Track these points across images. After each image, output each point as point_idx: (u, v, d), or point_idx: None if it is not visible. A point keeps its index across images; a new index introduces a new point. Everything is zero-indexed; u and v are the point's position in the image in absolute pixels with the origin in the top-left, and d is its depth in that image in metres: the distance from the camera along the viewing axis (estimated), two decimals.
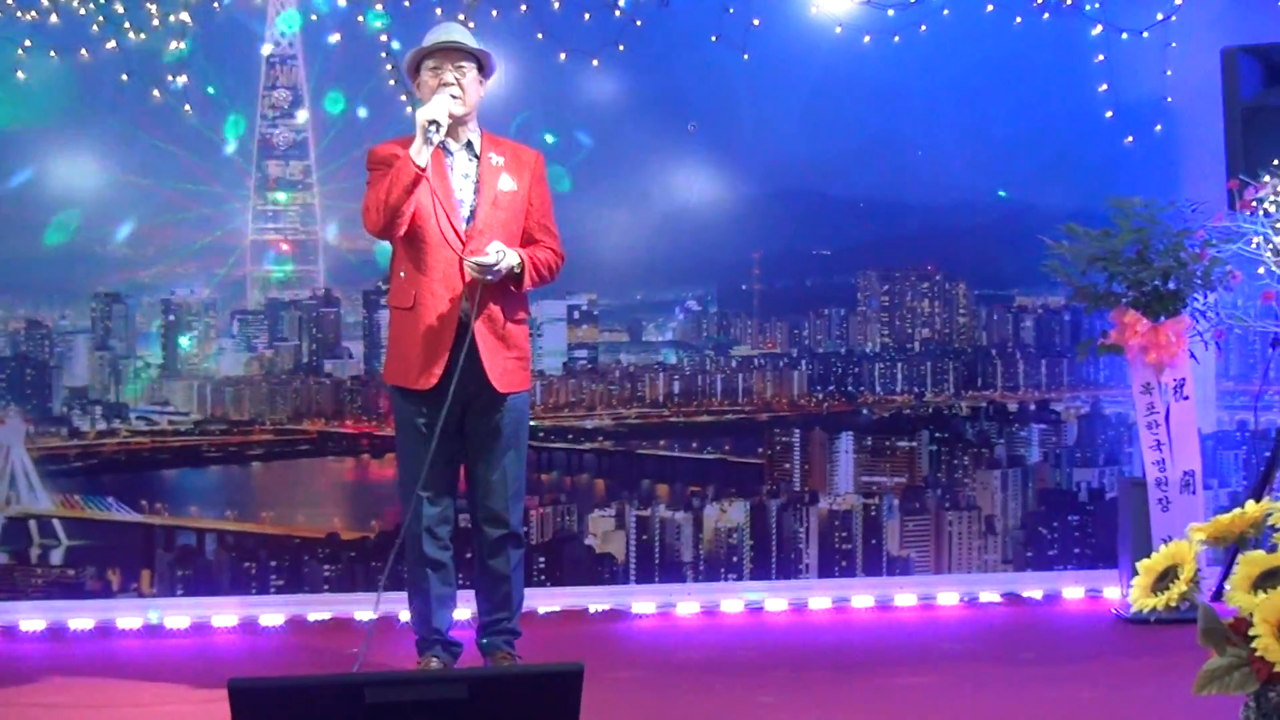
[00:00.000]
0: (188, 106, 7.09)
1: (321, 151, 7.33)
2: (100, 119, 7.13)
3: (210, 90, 7.13)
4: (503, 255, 5.30)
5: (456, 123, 5.41)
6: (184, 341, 7.36)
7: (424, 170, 5.22)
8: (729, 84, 7.36)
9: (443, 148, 5.44)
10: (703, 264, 7.58)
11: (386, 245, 5.69)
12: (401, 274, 5.48)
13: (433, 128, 5.21)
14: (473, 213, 5.44)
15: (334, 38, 7.17)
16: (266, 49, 7.23)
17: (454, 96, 5.34)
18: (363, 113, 7.20)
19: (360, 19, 7.13)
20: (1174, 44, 7.35)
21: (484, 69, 5.51)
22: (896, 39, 7.30)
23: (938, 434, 7.60)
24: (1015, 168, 7.48)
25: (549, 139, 7.20)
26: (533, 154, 5.64)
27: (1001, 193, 7.55)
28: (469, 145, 5.52)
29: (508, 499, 5.55)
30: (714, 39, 7.22)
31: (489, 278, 5.31)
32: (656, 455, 7.62)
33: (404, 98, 6.95)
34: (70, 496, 7.25)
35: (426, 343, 5.38)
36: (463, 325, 5.36)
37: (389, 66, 7.07)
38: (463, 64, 5.41)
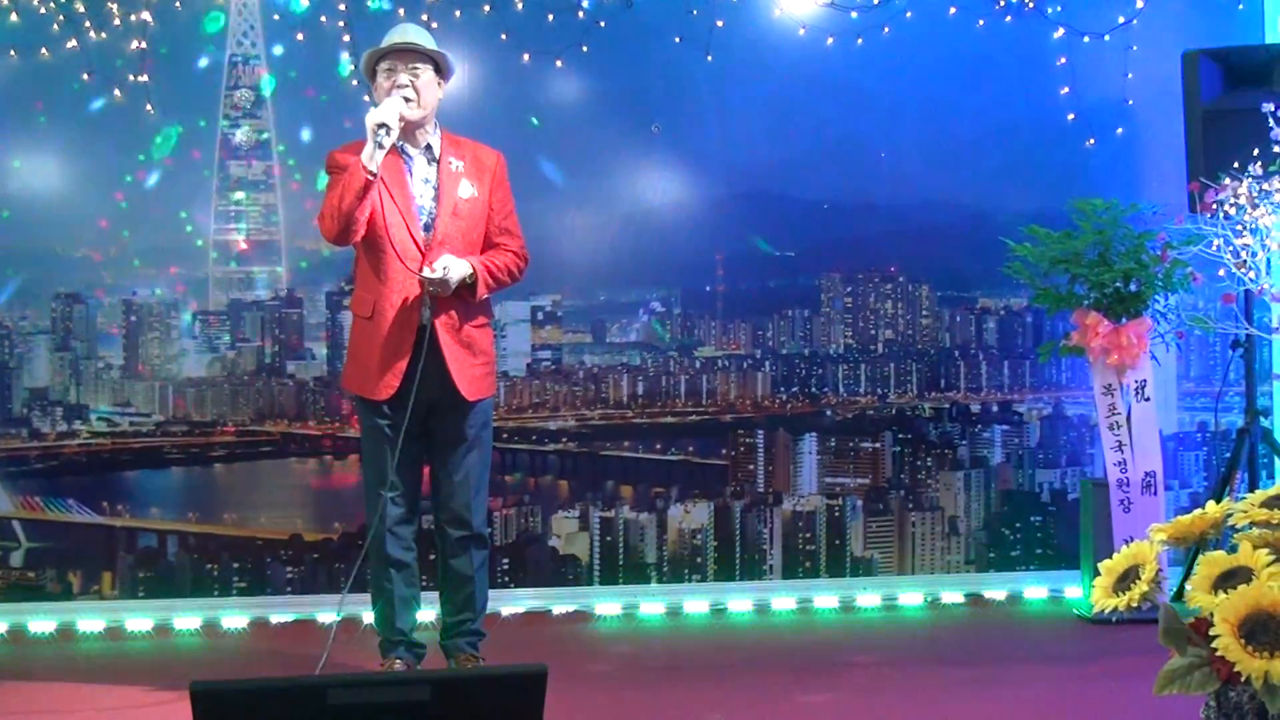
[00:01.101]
0: (149, 106, 7.06)
1: (283, 150, 7.30)
2: (61, 118, 7.10)
3: (175, 83, 7.09)
4: (448, 270, 5.27)
5: (414, 126, 5.38)
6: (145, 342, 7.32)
7: (375, 176, 5.18)
8: (693, 85, 7.37)
9: (401, 152, 5.41)
10: (666, 265, 7.57)
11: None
12: (362, 281, 5.47)
13: (382, 131, 5.15)
14: (432, 222, 5.41)
15: (298, 37, 7.14)
16: (229, 48, 7.19)
17: (407, 99, 5.30)
18: (327, 113, 7.18)
19: (323, 19, 7.11)
20: (1135, 47, 7.38)
21: (442, 70, 5.47)
22: (860, 41, 7.32)
23: (901, 435, 7.61)
24: (978, 169, 7.50)
25: (534, 120, 7.24)
26: (494, 155, 5.61)
27: (970, 185, 7.56)
28: (428, 149, 5.49)
29: (470, 500, 5.54)
30: (678, 40, 7.24)
31: (438, 290, 5.29)
32: (620, 456, 7.62)
33: (367, 98, 6.93)
34: (30, 498, 7.21)
35: (385, 352, 5.36)
36: (422, 332, 5.34)
37: (352, 68, 7.05)
38: (418, 66, 5.37)
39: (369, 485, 5.54)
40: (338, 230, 5.26)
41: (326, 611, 6.79)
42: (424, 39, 5.43)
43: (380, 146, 5.15)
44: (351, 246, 5.47)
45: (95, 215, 7.18)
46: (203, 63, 7.21)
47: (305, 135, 7.26)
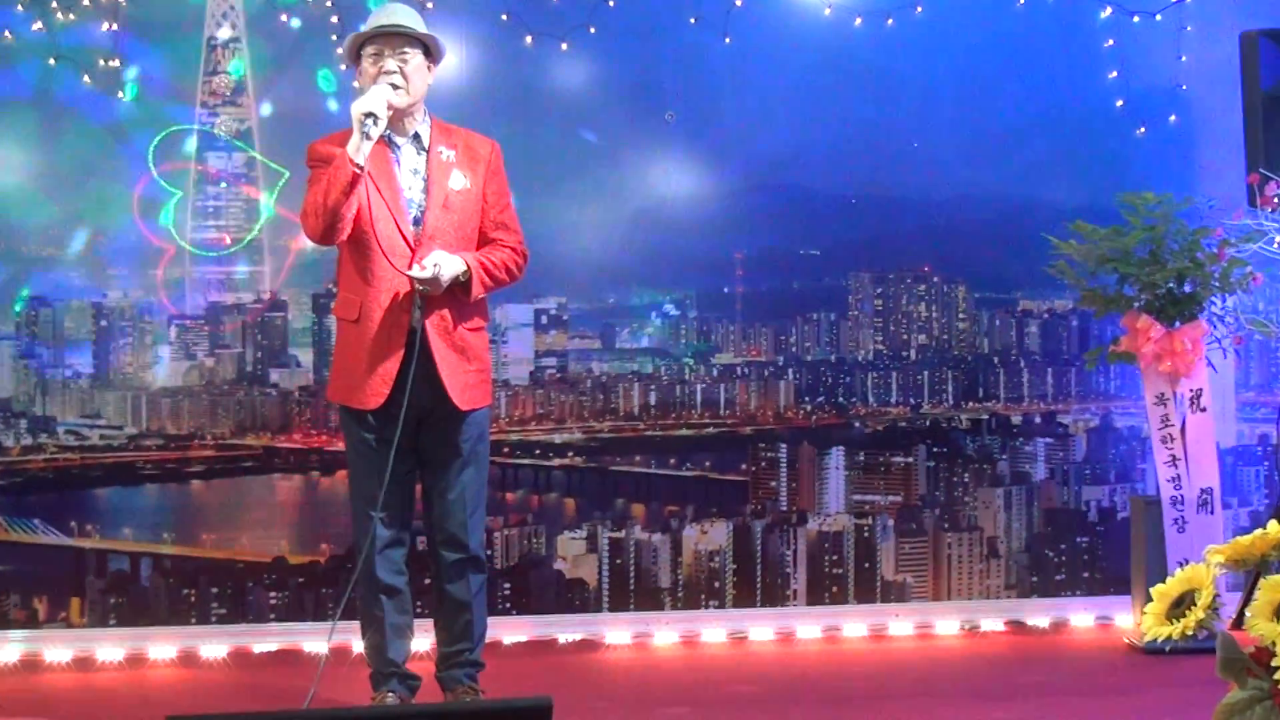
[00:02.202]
0: (121, 93, 7.06)
1: (266, 141, 7.31)
2: (26, 106, 7.11)
3: (149, 68, 7.10)
4: (439, 268, 5.25)
5: (402, 114, 5.37)
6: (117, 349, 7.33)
7: (363, 169, 5.17)
8: (709, 70, 7.36)
9: (388, 142, 5.40)
10: (681, 265, 7.57)
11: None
12: (347, 283, 5.45)
13: (369, 120, 5.14)
14: (421, 215, 5.39)
15: (284, 18, 7.15)
16: (208, 30, 7.20)
17: (395, 86, 5.28)
18: (313, 100, 7.18)
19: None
20: (1189, 27, 7.36)
21: (432, 54, 5.46)
22: (890, 21, 7.31)
23: (936, 449, 7.60)
24: (1019, 161, 7.49)
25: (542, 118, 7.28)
26: (488, 144, 5.59)
27: (1010, 177, 7.56)
28: (416, 138, 5.47)
29: (466, 519, 5.52)
30: (693, 21, 7.23)
31: (429, 289, 5.28)
32: (631, 472, 7.62)
33: (357, 84, 6.92)
34: None
35: (374, 357, 5.34)
36: (413, 335, 5.33)
37: (340, 50, 7.04)
38: (406, 50, 5.35)
39: (356, 505, 5.53)
40: (322, 228, 5.25)
41: (313, 641, 6.78)
42: (413, 20, 5.41)
43: (367, 137, 5.14)
44: (330, 246, 5.45)
45: (62, 211, 7.17)
46: (179, 46, 7.20)
47: (290, 123, 7.25)
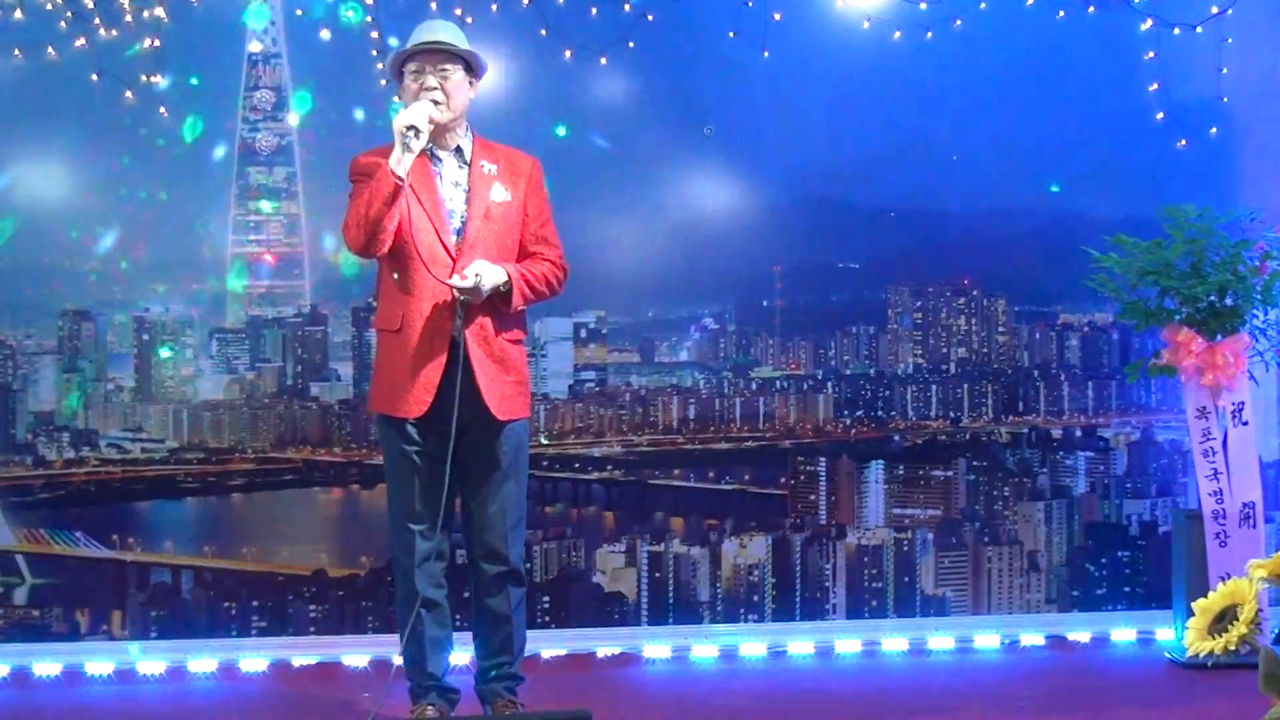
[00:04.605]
0: (163, 108, 7.10)
1: (308, 156, 7.34)
2: (68, 122, 7.15)
3: (194, 80, 7.14)
4: (480, 277, 5.27)
5: (443, 128, 5.39)
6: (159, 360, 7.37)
7: (404, 181, 5.20)
8: (748, 83, 7.36)
9: (430, 155, 5.42)
10: (720, 278, 7.58)
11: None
12: (387, 294, 5.47)
13: (410, 133, 5.17)
14: (463, 226, 5.41)
15: (324, 34, 7.18)
16: (249, 46, 7.24)
17: (435, 102, 5.32)
18: (359, 114, 7.21)
19: (349, 14, 7.14)
20: (1230, 39, 7.33)
21: (473, 70, 5.49)
22: (929, 34, 7.30)
23: (975, 463, 7.58)
24: (1059, 173, 7.48)
25: (560, 131, 7.25)
26: (528, 160, 5.61)
27: (1054, 187, 7.54)
28: (458, 151, 5.50)
29: (506, 533, 5.52)
30: (731, 35, 7.23)
31: (470, 299, 5.29)
32: (670, 486, 7.62)
33: (397, 99, 6.95)
34: (35, 531, 7.25)
35: (416, 367, 5.35)
36: (454, 346, 5.34)
37: (380, 65, 7.08)
38: (446, 66, 5.38)
39: (395, 518, 5.54)
40: (364, 240, 5.27)
41: (352, 653, 6.80)
42: (454, 37, 5.43)
43: (409, 150, 5.17)
44: (371, 259, 5.47)
45: (104, 226, 7.21)
46: (221, 62, 7.25)
47: (332, 138, 7.28)
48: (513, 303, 5.38)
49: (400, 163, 5.17)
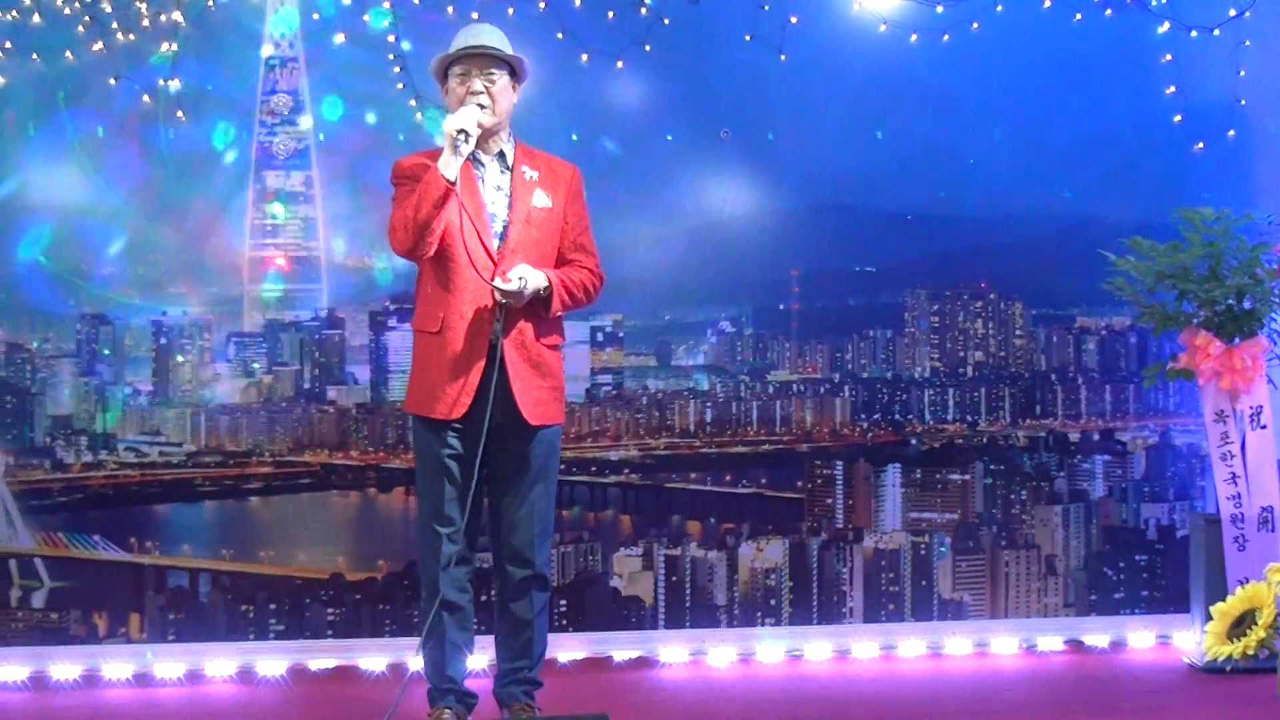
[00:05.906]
0: (180, 112, 7.13)
1: (323, 159, 7.36)
2: (86, 126, 7.18)
3: (208, 88, 7.17)
4: (525, 281, 5.30)
5: (487, 133, 5.42)
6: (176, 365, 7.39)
7: (454, 184, 5.23)
8: (764, 87, 7.38)
9: (473, 159, 5.44)
10: (736, 282, 7.60)
11: (400, 263, 5.68)
12: (427, 296, 5.49)
13: (461, 137, 5.21)
14: (505, 230, 5.44)
15: (338, 38, 7.21)
16: (266, 50, 7.27)
17: (482, 106, 5.34)
18: (371, 118, 7.23)
19: (366, 18, 7.17)
20: (1248, 42, 7.35)
21: (517, 75, 5.51)
22: (946, 38, 7.32)
23: (993, 466, 7.59)
24: (1076, 177, 7.49)
25: (573, 137, 7.26)
26: (569, 168, 5.63)
27: (1067, 193, 7.55)
28: (500, 156, 5.53)
29: (534, 537, 5.54)
30: (748, 38, 7.25)
31: (511, 302, 5.32)
32: (687, 489, 7.63)
33: (413, 103, 6.98)
34: (53, 534, 7.28)
35: (455, 369, 5.38)
36: (493, 349, 5.36)
37: (397, 69, 7.10)
38: (493, 70, 5.41)
39: (424, 519, 5.55)
40: (412, 243, 5.29)
41: (369, 656, 6.82)
42: (499, 41, 5.45)
43: (458, 154, 5.21)
44: (415, 262, 5.48)
45: (121, 229, 7.24)
46: (238, 65, 7.28)
47: (348, 140, 7.31)
48: (551, 308, 5.41)
49: (449, 166, 5.20)
